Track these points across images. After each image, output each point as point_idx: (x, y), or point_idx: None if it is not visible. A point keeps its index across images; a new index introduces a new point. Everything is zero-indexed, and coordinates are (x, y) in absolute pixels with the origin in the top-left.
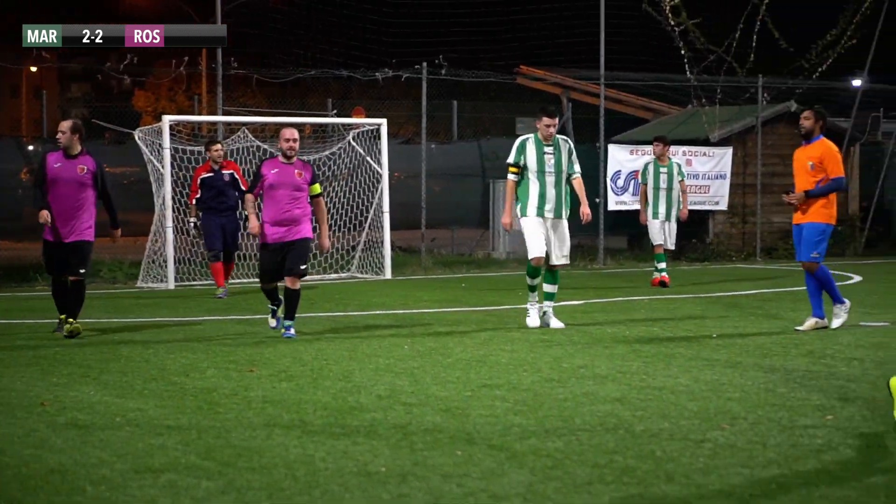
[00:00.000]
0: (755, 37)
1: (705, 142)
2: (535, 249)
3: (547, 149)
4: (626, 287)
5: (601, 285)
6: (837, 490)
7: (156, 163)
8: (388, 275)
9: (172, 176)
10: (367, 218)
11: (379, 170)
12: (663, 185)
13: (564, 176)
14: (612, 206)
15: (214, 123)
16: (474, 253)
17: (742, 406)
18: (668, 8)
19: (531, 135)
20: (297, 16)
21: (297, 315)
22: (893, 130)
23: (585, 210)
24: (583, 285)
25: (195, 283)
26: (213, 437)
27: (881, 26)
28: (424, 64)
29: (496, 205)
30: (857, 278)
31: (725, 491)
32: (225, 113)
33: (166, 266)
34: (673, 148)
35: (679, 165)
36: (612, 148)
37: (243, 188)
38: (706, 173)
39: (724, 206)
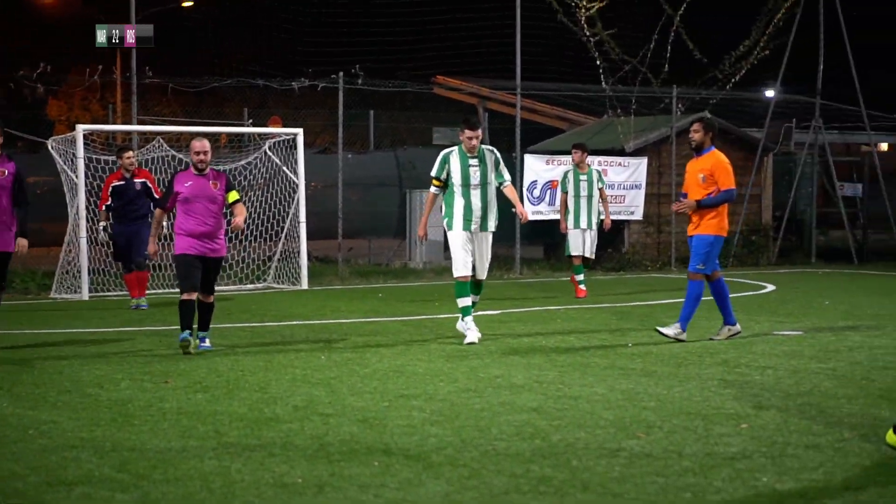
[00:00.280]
0: (669, 48)
1: (620, 152)
2: (460, 267)
3: (472, 161)
4: (542, 297)
5: (517, 295)
6: (752, 498)
7: (69, 172)
8: (304, 285)
9: (86, 186)
10: (283, 228)
11: (295, 179)
12: (584, 192)
13: (492, 188)
14: (528, 216)
15: (129, 133)
16: (391, 263)
17: (657, 415)
18: (583, 19)
19: (455, 147)
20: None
21: (212, 326)
22: (805, 141)
23: (521, 209)
24: (499, 295)
25: (110, 293)
26: (128, 450)
27: (793, 37)
28: (341, 73)
29: (413, 215)
30: (770, 287)
31: (641, 499)
32: (139, 122)
33: (80, 276)
34: (589, 157)
35: (599, 173)
36: (528, 158)
37: (157, 196)
38: (621, 183)
39: (639, 215)
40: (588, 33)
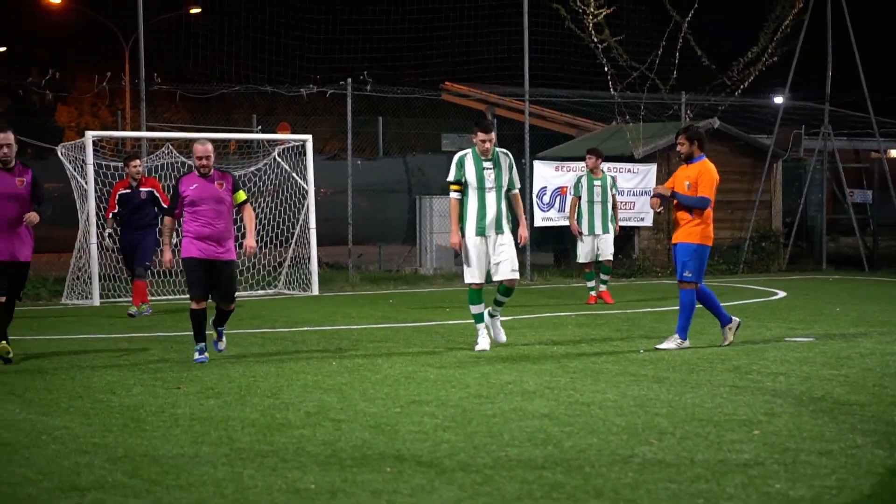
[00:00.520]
0: (678, 54)
1: (630, 158)
2: (471, 274)
3: (486, 164)
4: (552, 303)
5: (528, 302)
6: None
7: (79, 179)
8: (315, 291)
9: (96, 192)
10: (293, 234)
11: (305, 186)
12: (597, 198)
13: (504, 191)
14: (538, 223)
15: (138, 139)
16: (401, 269)
17: (669, 421)
18: (590, 25)
19: (469, 150)
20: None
21: (224, 332)
22: (815, 147)
23: (523, 232)
24: (510, 302)
25: (120, 299)
26: (140, 455)
27: (802, 43)
28: (349, 80)
29: (423, 220)
30: (781, 294)
31: None
32: (148, 128)
33: (91, 282)
34: (578, 172)
35: (612, 179)
36: (537, 164)
37: (164, 205)
38: (631, 189)
39: (649, 221)
40: (596, 40)
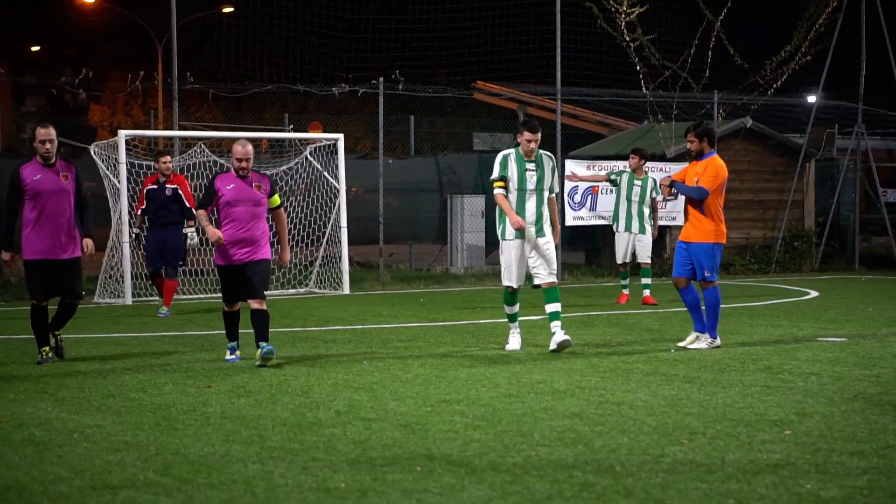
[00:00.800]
0: (710, 53)
1: (661, 157)
2: (507, 277)
3: (529, 165)
4: (584, 302)
5: None
6: None
7: (111, 178)
8: (346, 290)
9: (129, 191)
10: (324, 233)
11: (336, 185)
12: (635, 197)
13: (546, 194)
14: (569, 222)
15: (170, 138)
16: (432, 268)
17: (700, 421)
18: (623, 24)
19: (512, 150)
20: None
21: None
22: (848, 146)
23: (555, 238)
24: (540, 301)
25: (153, 298)
26: (172, 454)
27: (835, 42)
28: (381, 79)
29: (454, 220)
30: (813, 293)
31: None
32: (181, 128)
33: (123, 281)
34: (620, 168)
35: (655, 181)
36: (568, 163)
37: (188, 204)
38: None
39: (680, 221)
40: (628, 38)
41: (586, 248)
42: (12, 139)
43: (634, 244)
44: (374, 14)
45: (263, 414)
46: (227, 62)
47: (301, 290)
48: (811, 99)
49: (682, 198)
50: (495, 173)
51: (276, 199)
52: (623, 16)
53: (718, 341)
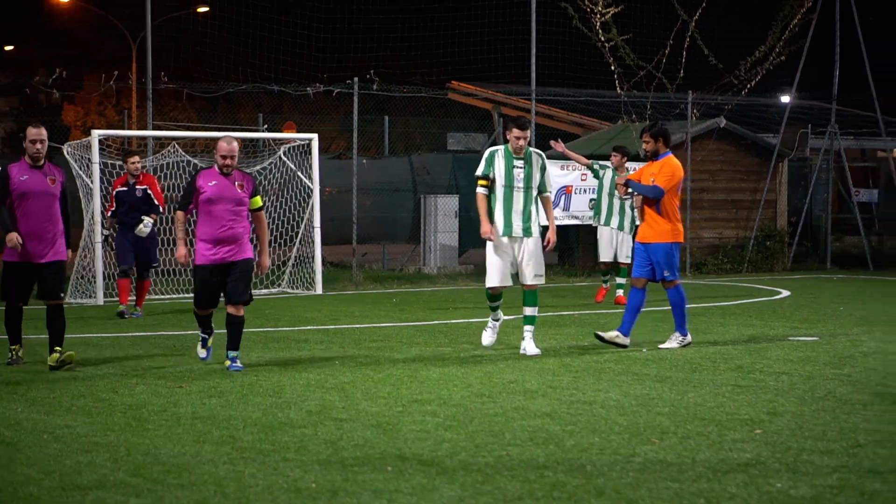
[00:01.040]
0: (685, 53)
1: (636, 157)
2: (492, 278)
3: (517, 162)
4: (556, 302)
5: None
6: None
7: (84, 177)
8: (319, 290)
9: (102, 191)
10: (297, 233)
11: (310, 185)
12: (618, 194)
13: (535, 192)
14: (542, 221)
15: (144, 138)
16: (405, 268)
17: (671, 420)
18: (598, 24)
19: (501, 146)
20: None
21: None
22: (821, 146)
23: (552, 237)
24: (512, 301)
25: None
26: (142, 454)
27: (809, 43)
28: (356, 79)
29: (427, 220)
30: (785, 293)
31: None
32: (155, 127)
33: (95, 282)
34: (603, 162)
35: None
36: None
37: (157, 203)
38: None
39: None
40: (603, 38)
41: (560, 248)
42: None
43: (617, 243)
44: (348, 14)
45: (234, 414)
46: (201, 62)
47: (274, 290)
48: (785, 99)
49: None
50: (479, 170)
51: (258, 201)
52: (598, 16)
53: (689, 338)
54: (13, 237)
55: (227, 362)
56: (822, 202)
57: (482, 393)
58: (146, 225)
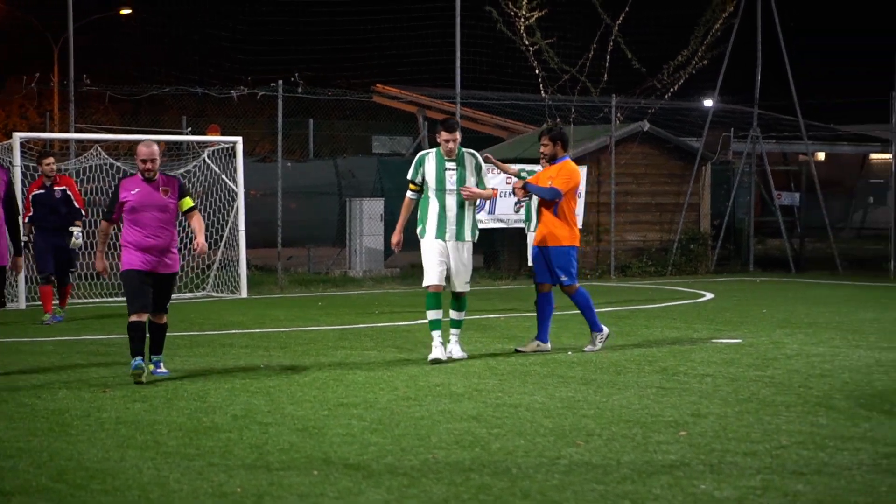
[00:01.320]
0: (608, 57)
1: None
2: (430, 276)
3: (449, 164)
4: (482, 306)
5: None
6: None
7: None
8: (244, 294)
9: (23, 193)
10: (222, 236)
11: (234, 188)
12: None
13: None
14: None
15: (66, 141)
16: (331, 271)
17: (597, 423)
18: (522, 28)
19: (434, 149)
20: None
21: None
22: (743, 150)
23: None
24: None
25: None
26: (66, 460)
27: (732, 47)
28: (280, 82)
29: (353, 223)
30: (708, 296)
31: None
32: (77, 130)
33: (17, 286)
34: (531, 168)
35: None
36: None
37: (78, 206)
38: None
39: (579, 224)
40: (527, 42)
41: (485, 251)
42: None
43: None
44: (273, 17)
45: (159, 419)
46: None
47: (199, 294)
48: (708, 103)
49: (581, 200)
50: (409, 174)
51: (188, 202)
52: (522, 20)
53: (606, 330)
54: None
55: (151, 366)
56: (745, 205)
57: (408, 396)
58: (77, 237)
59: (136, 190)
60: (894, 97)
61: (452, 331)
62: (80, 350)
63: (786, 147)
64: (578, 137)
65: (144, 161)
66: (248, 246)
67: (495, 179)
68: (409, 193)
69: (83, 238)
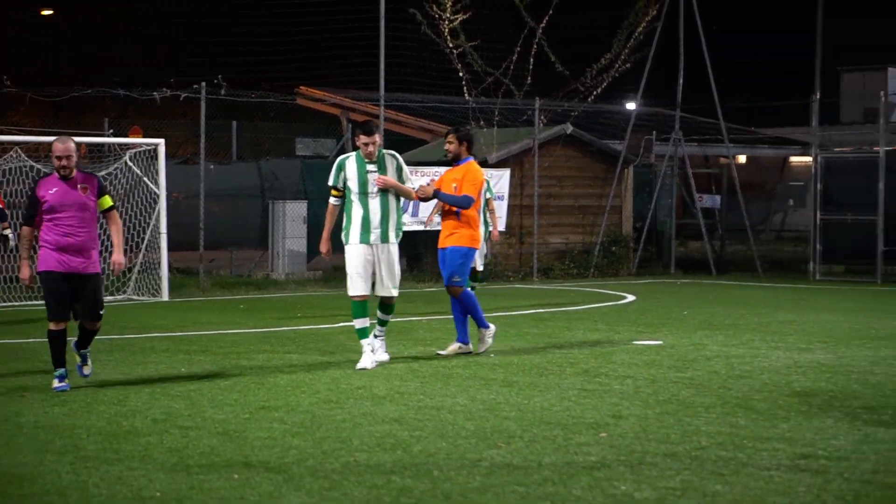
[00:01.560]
0: (532, 60)
1: (483, 163)
2: (355, 286)
3: (370, 167)
4: (404, 308)
5: None
6: None
7: None
8: (165, 297)
9: None
10: (144, 239)
11: (156, 190)
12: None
13: (392, 196)
14: (404, 227)
15: None
16: (253, 274)
17: (518, 425)
18: (446, 30)
19: (354, 153)
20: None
21: (69, 337)
22: (665, 153)
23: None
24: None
25: None
26: None
27: (654, 50)
28: (203, 84)
29: (276, 225)
30: (630, 298)
31: None
32: None
33: None
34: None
35: (488, 183)
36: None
37: (1, 206)
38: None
39: (501, 226)
40: (451, 45)
41: (408, 254)
42: None
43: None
44: (196, 18)
45: (78, 423)
46: (45, 65)
47: (119, 297)
48: (630, 106)
49: (504, 203)
50: (330, 180)
51: (107, 200)
52: (446, 22)
53: (493, 327)
54: None
55: (78, 358)
56: (667, 208)
57: (330, 399)
58: (12, 238)
59: (55, 189)
60: (814, 100)
61: (378, 328)
62: None
63: (707, 150)
64: (502, 140)
65: (60, 158)
66: (169, 248)
67: (419, 181)
68: (331, 200)
69: (13, 240)
